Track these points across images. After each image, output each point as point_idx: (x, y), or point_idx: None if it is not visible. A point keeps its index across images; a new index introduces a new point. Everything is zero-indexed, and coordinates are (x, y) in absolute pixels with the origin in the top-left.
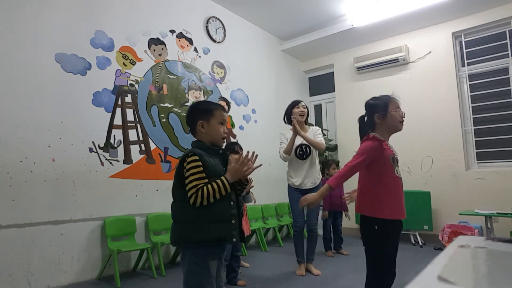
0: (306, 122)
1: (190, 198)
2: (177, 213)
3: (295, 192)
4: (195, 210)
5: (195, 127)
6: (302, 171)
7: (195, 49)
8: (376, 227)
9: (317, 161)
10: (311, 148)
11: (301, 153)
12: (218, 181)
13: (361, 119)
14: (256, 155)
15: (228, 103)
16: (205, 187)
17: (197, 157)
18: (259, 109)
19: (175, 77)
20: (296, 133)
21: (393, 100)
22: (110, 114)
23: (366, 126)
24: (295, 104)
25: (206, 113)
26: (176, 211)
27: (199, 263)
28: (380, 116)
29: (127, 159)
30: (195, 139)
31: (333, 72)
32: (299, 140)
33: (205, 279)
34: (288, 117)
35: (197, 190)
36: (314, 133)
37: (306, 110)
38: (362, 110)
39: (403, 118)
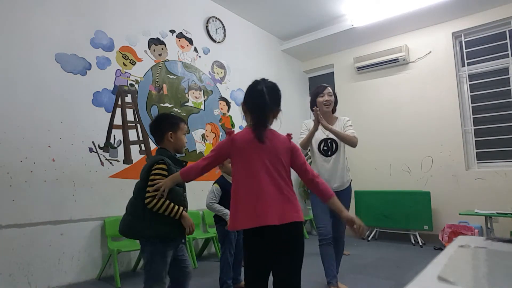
0: (333, 111)
1: (146, 199)
2: (137, 210)
3: None
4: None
5: (162, 137)
6: (326, 170)
7: (195, 49)
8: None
9: (345, 158)
10: (338, 143)
11: (326, 149)
12: (176, 207)
13: None
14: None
15: (228, 103)
16: (162, 200)
17: (165, 166)
18: None
19: (175, 77)
20: (318, 125)
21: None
22: (110, 114)
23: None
24: (319, 92)
25: (174, 126)
26: (136, 208)
27: (158, 253)
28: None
29: (127, 159)
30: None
31: (333, 72)
32: (323, 134)
33: (164, 268)
34: (312, 106)
35: (155, 199)
36: (343, 125)
37: (332, 98)
38: (362, 110)
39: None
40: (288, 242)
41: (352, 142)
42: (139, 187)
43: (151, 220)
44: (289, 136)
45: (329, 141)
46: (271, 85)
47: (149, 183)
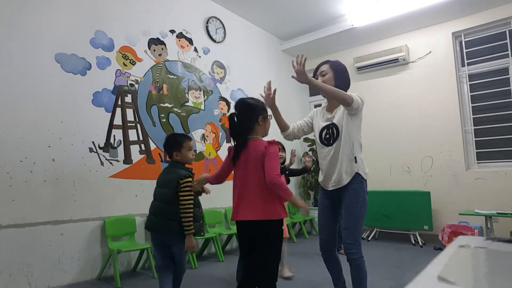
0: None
1: (185, 207)
2: (169, 214)
3: (321, 193)
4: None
5: (171, 155)
6: (326, 163)
7: (195, 49)
8: None
9: (351, 145)
10: (340, 127)
11: (328, 137)
12: (191, 227)
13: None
14: None
15: (228, 103)
16: (192, 216)
17: (191, 179)
18: None
19: (175, 77)
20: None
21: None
22: (110, 114)
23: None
24: (315, 73)
25: (177, 146)
26: (168, 213)
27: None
28: (262, 119)
29: (127, 159)
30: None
31: None
32: (324, 120)
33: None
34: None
35: (191, 212)
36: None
37: (327, 76)
38: (362, 110)
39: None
40: (254, 237)
41: (343, 99)
42: (170, 196)
43: (180, 222)
44: (270, 142)
45: (331, 127)
46: (239, 105)
47: (184, 195)
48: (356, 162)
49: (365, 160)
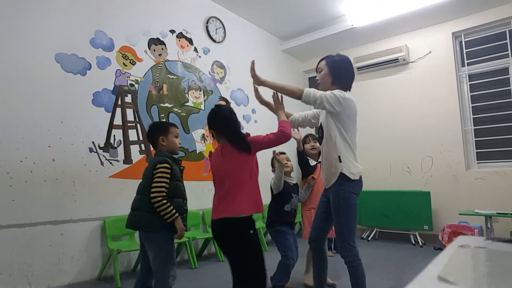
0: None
1: (152, 194)
2: (144, 205)
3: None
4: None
5: (156, 142)
6: (321, 161)
7: (195, 49)
8: None
9: (333, 148)
10: (324, 126)
11: (320, 136)
12: (173, 211)
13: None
14: None
15: (228, 103)
16: (165, 201)
17: (168, 165)
18: (259, 109)
19: (175, 77)
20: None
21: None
22: (110, 114)
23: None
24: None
25: (164, 130)
26: (143, 204)
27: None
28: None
29: (127, 159)
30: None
31: None
32: (321, 120)
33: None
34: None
35: (160, 197)
36: None
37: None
38: (362, 110)
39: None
40: (222, 235)
41: (292, 92)
42: (145, 186)
43: (154, 211)
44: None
45: (320, 125)
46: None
47: (154, 180)
48: (340, 161)
49: (359, 160)
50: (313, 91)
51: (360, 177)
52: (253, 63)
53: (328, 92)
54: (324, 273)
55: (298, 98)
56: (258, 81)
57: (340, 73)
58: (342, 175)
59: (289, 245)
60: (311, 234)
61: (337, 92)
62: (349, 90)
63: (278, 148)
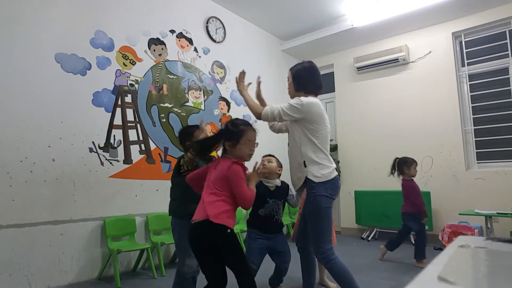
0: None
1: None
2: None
3: None
4: None
5: (185, 146)
6: None
7: (195, 49)
8: None
9: (298, 153)
10: (289, 134)
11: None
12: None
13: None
14: None
15: (228, 103)
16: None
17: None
18: None
19: (175, 77)
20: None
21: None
22: (110, 114)
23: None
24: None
25: (189, 136)
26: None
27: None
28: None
29: (127, 159)
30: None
31: (333, 72)
32: None
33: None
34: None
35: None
36: None
37: (290, 78)
38: (362, 110)
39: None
40: (200, 238)
41: (255, 113)
42: (172, 177)
43: (181, 201)
44: (235, 162)
45: (289, 130)
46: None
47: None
48: (305, 166)
49: (359, 160)
50: (270, 108)
51: (335, 177)
52: (258, 82)
53: (285, 103)
54: (312, 276)
55: (259, 119)
56: (241, 87)
57: (302, 80)
58: (308, 180)
59: (250, 249)
60: (297, 236)
61: (293, 100)
62: (316, 95)
63: (266, 151)
